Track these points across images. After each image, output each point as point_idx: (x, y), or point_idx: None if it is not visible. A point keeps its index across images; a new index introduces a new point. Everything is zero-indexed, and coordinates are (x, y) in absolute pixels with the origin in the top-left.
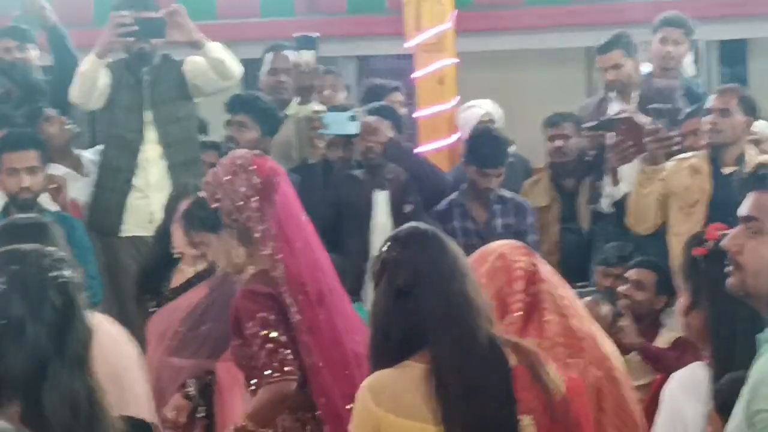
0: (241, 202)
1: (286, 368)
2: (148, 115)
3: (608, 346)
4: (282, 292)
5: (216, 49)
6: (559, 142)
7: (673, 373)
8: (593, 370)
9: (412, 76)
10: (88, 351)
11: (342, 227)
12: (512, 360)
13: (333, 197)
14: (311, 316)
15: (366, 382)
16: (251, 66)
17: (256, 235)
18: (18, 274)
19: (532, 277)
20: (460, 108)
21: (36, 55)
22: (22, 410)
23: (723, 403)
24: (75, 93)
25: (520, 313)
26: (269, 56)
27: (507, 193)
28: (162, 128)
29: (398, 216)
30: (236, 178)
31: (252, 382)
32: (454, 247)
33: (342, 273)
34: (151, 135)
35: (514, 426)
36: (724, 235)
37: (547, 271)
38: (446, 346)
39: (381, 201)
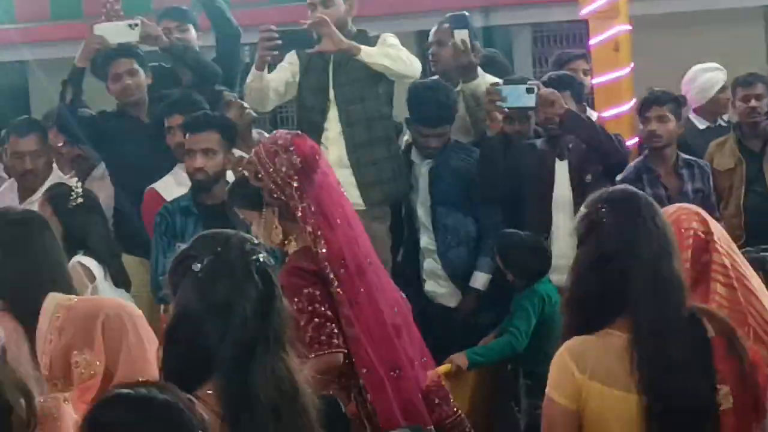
0: (282, 181)
1: (333, 341)
2: (331, 94)
3: None
4: (324, 268)
5: (372, 54)
6: (753, 102)
7: None
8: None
9: (588, 43)
10: (287, 332)
11: (523, 200)
12: (710, 331)
13: (513, 170)
14: (352, 290)
15: (566, 347)
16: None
17: (298, 213)
18: (223, 256)
19: (705, 245)
20: (691, 70)
21: (196, 36)
22: (225, 390)
23: None
24: (251, 104)
25: (688, 281)
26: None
27: (689, 157)
28: (344, 108)
29: (578, 186)
30: (277, 158)
31: None
32: (663, 215)
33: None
34: (333, 114)
35: (713, 396)
36: None
37: (722, 238)
38: (650, 318)
39: (561, 171)
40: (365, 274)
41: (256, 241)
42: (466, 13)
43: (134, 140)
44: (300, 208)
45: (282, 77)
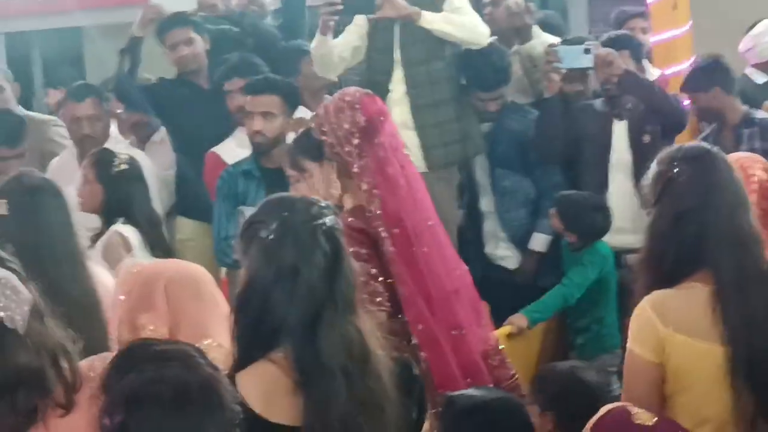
0: (343, 137)
1: (377, 299)
2: (396, 55)
3: None
4: (376, 227)
5: (434, 20)
6: None
7: None
8: None
9: (646, 1)
10: (356, 294)
11: (580, 161)
12: None
13: (571, 130)
14: (407, 249)
15: (648, 302)
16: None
17: (355, 170)
18: (289, 220)
19: (767, 192)
20: (762, 24)
21: (270, 1)
22: (296, 355)
23: None
24: (316, 68)
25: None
26: None
27: (758, 114)
28: (408, 69)
29: (637, 147)
30: (342, 114)
31: None
32: (737, 170)
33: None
34: (398, 75)
35: None
36: None
37: None
38: (730, 272)
39: (619, 132)
40: (423, 235)
41: (323, 204)
42: None
43: (194, 106)
44: (357, 166)
45: (348, 41)
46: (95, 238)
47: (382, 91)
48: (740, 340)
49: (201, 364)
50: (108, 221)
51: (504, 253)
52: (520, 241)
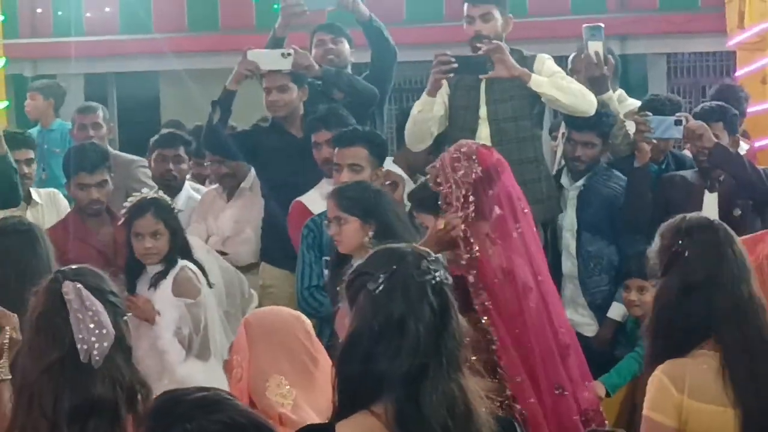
0: (456, 188)
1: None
2: (483, 112)
3: None
4: (473, 273)
5: (543, 84)
6: None
7: None
8: None
9: (735, 74)
10: (462, 351)
11: None
12: None
13: (661, 200)
14: (511, 301)
15: (663, 370)
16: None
17: (464, 218)
18: (398, 273)
19: None
20: None
21: (349, 50)
22: (398, 410)
23: None
24: (409, 138)
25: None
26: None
27: None
28: (496, 125)
29: (727, 220)
30: (458, 164)
31: None
32: (738, 241)
33: None
34: (484, 132)
35: None
36: None
37: None
38: (736, 341)
39: (710, 204)
40: (532, 290)
41: (432, 258)
42: (602, 25)
43: (285, 154)
44: (466, 215)
45: (436, 113)
46: (156, 280)
47: None
48: (751, 403)
49: (244, 405)
50: (169, 263)
51: (582, 320)
52: (599, 308)
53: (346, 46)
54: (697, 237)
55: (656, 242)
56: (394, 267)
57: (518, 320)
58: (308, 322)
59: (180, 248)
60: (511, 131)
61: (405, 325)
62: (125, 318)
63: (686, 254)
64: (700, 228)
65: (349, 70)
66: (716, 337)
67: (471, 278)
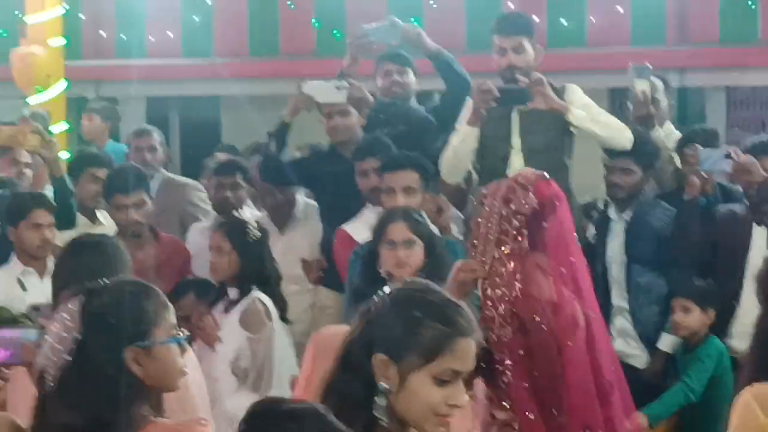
0: (507, 217)
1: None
2: (515, 142)
3: None
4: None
5: (580, 117)
6: None
7: None
8: None
9: None
10: None
11: (716, 263)
12: None
13: (710, 233)
14: (563, 335)
15: (752, 394)
16: (620, 95)
17: (504, 249)
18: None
19: None
20: None
21: (414, 81)
22: None
23: None
24: (447, 169)
25: None
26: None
27: None
28: (528, 156)
29: None
30: (513, 194)
31: None
32: None
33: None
34: (516, 162)
35: None
36: None
37: None
38: None
39: (759, 238)
40: (578, 327)
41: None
42: (648, 65)
43: (342, 179)
44: (509, 248)
45: (469, 146)
46: (229, 306)
47: (500, 177)
48: None
49: (331, 418)
50: (243, 289)
51: (633, 352)
52: (650, 340)
53: (411, 76)
54: None
55: (761, 267)
56: (430, 298)
57: (549, 359)
58: None
59: (256, 275)
60: (542, 161)
61: None
62: None
63: None
64: None
65: (413, 99)
66: None
67: (500, 312)
